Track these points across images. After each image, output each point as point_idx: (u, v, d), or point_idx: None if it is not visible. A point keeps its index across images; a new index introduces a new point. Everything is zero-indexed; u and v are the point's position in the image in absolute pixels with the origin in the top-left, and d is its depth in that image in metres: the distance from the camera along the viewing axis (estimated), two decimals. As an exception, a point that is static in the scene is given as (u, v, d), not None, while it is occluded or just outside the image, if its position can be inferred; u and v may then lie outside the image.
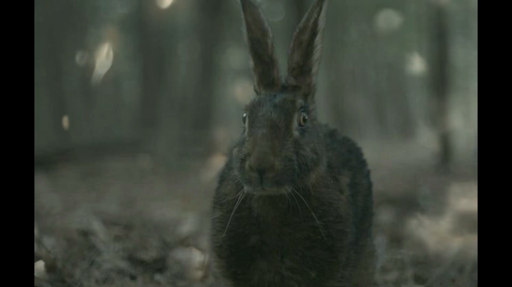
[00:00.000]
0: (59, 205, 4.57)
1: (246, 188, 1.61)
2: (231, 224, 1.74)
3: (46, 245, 2.67)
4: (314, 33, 1.73)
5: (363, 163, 2.08)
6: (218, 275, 1.88)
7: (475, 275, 2.48)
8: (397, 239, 3.31)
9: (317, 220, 1.68)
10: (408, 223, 3.53)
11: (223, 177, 1.88)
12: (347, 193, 1.81)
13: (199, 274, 2.60)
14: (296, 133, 1.65)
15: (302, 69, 1.76)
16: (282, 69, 1.78)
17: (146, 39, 13.81)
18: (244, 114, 1.69)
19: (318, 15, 1.73)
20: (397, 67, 20.57)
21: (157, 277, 2.61)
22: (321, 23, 1.74)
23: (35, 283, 2.20)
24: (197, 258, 2.69)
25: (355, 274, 1.91)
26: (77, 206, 4.49)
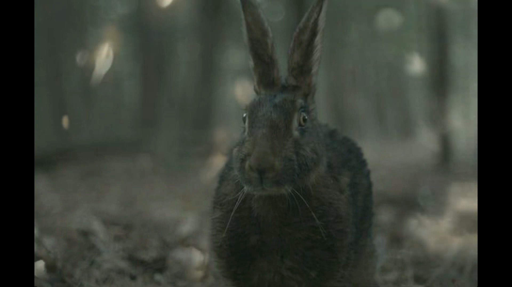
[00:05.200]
0: (59, 205, 4.56)
1: (246, 188, 1.61)
2: (231, 224, 1.74)
3: (46, 245, 2.67)
4: (314, 33, 1.73)
5: (363, 163, 2.08)
6: (218, 275, 1.88)
7: (475, 275, 2.48)
8: (397, 239, 3.31)
9: (317, 220, 1.68)
10: (408, 223, 3.53)
11: (223, 177, 1.88)
12: (347, 193, 1.81)
13: (199, 274, 2.60)
14: (296, 133, 1.65)
15: (302, 69, 1.76)
16: (282, 69, 1.78)
17: (146, 39, 13.81)
18: (244, 114, 1.69)
19: (318, 15, 1.73)
20: (397, 67, 20.57)
21: (157, 277, 2.61)
22: (321, 23, 1.74)
23: (35, 283, 2.20)
24: (197, 258, 2.69)
25: (355, 274, 1.91)
26: (77, 206, 4.49)
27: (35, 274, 2.27)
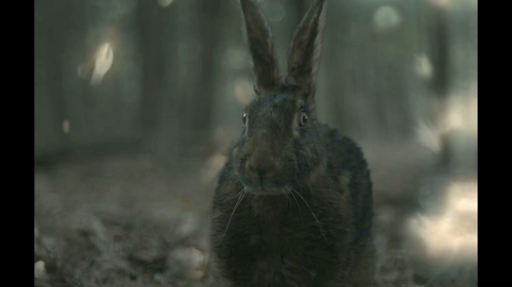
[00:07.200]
0: (59, 205, 4.56)
1: (246, 188, 1.61)
2: (231, 224, 1.74)
3: (46, 245, 2.67)
4: (314, 33, 1.73)
5: (363, 163, 2.08)
6: (218, 275, 1.88)
7: (475, 275, 2.48)
8: (397, 239, 3.31)
9: (317, 220, 1.68)
10: (408, 223, 3.52)
11: (223, 177, 1.88)
12: (347, 193, 1.81)
13: (199, 274, 2.60)
14: (296, 133, 1.65)
15: (302, 69, 1.76)
16: (282, 69, 1.78)
17: (146, 39, 13.80)
18: (244, 114, 1.69)
19: (318, 15, 1.73)
20: (397, 67, 20.56)
21: (157, 277, 2.61)
22: (321, 23, 1.74)
23: (35, 283, 2.20)
24: (197, 258, 2.69)
25: (355, 274, 1.91)
26: (77, 206, 4.49)
27: (35, 274, 2.27)
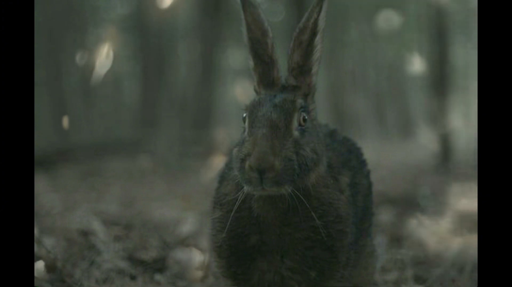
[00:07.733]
0: (59, 205, 4.56)
1: (246, 188, 1.61)
2: (231, 224, 1.74)
3: (46, 245, 2.67)
4: (314, 33, 1.73)
5: (363, 163, 2.08)
6: (218, 275, 1.88)
7: (475, 275, 2.48)
8: (397, 239, 3.31)
9: (317, 220, 1.68)
10: (408, 223, 3.53)
11: (223, 177, 1.88)
12: (347, 193, 1.81)
13: (199, 274, 2.61)
14: (296, 133, 1.65)
15: (302, 69, 1.76)
16: (282, 69, 1.79)
17: (146, 39, 13.81)
18: (244, 114, 1.69)
19: (318, 15, 1.73)
20: (397, 67, 20.58)
21: (157, 277, 2.61)
22: (321, 23, 1.74)
23: (35, 283, 2.20)
24: (197, 258, 2.69)
25: (355, 274, 1.91)
26: (77, 206, 4.48)
27: (35, 274, 2.28)
